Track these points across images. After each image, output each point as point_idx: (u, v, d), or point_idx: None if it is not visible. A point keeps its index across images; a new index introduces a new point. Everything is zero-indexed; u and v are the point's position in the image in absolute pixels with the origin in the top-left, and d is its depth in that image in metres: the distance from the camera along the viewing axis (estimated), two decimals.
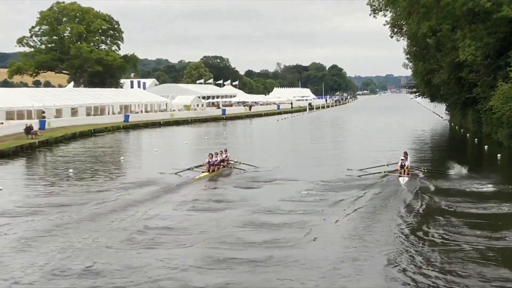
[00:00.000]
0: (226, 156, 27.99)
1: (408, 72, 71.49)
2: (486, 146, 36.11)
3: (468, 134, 46.22)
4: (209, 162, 26.05)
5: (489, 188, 21.66)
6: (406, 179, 23.48)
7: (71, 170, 28.34)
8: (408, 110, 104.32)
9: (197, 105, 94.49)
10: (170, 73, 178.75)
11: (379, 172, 25.22)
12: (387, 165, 26.32)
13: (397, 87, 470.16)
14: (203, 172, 25.61)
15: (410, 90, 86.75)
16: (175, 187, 23.06)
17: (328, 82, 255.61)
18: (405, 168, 24.38)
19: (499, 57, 37.20)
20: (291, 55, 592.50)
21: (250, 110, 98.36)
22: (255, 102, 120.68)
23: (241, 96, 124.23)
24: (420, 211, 18.31)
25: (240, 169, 27.39)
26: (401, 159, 24.78)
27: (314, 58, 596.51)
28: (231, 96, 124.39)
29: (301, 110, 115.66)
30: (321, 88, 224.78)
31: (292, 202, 19.60)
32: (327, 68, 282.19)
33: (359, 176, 24.84)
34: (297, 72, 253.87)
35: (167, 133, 60.25)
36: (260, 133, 57.36)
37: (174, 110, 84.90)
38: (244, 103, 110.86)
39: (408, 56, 59.69)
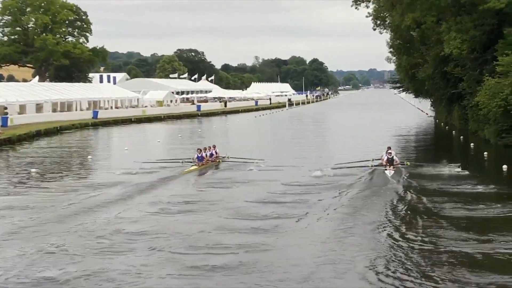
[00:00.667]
0: (215, 151, 29.50)
1: (392, 67, 72.14)
2: (472, 144, 36.40)
3: (453, 131, 46.60)
4: (197, 157, 27.62)
5: (475, 187, 21.78)
6: (392, 172, 24.72)
7: (33, 170, 27.83)
8: (391, 106, 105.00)
9: (171, 101, 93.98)
10: (142, 67, 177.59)
11: (365, 166, 26.48)
12: (372, 159, 27.44)
13: (380, 82, 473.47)
14: (192, 166, 27.11)
15: (393, 85, 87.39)
16: (146, 187, 22.85)
17: (309, 77, 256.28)
18: (393, 161, 25.51)
19: (486, 50, 37.53)
20: (270, 48, 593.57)
21: (225, 106, 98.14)
22: (232, 98, 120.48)
23: (217, 91, 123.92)
24: (407, 207, 18.69)
25: (229, 161, 29.31)
26: (388, 153, 25.83)
27: (294, 52, 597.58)
28: (206, 92, 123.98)
29: (280, 106, 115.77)
30: (301, 83, 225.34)
31: (274, 198, 20.02)
32: (307, 62, 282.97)
33: (347, 168, 26.30)
34: (276, 66, 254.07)
35: (138, 130, 59.82)
36: (237, 130, 57.20)
37: (146, 106, 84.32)
38: (220, 99, 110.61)
39: (392, 49, 60.05)
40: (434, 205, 18.83)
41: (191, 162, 27.71)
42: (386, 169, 25.23)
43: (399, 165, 26.11)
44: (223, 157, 29.77)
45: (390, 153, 25.96)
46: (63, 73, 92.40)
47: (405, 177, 24.30)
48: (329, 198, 20.20)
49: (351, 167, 26.50)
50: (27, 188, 23.51)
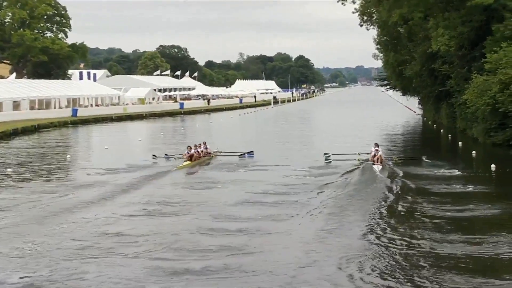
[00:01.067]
0: (206, 148, 31.16)
1: (379, 64, 72.40)
2: (460, 143, 36.62)
3: (442, 130, 46.85)
4: (187, 153, 29.12)
5: (463, 186, 21.90)
6: (380, 167, 25.95)
7: (9, 170, 27.58)
8: (379, 104, 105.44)
9: (153, 99, 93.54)
10: (123, 63, 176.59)
11: (353, 160, 28.38)
12: (359, 154, 29.11)
13: (368, 79, 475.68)
14: (185, 161, 28.57)
15: (381, 83, 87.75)
16: (127, 187, 22.76)
17: (295, 74, 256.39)
18: (378, 156, 26.77)
19: (474, 47, 37.77)
20: (255, 45, 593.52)
21: (208, 104, 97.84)
22: (216, 95, 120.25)
23: (201, 88, 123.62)
24: (395, 204, 19.02)
25: (221, 155, 31.30)
26: (375, 149, 27.24)
27: (280, 49, 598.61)
28: (189, 89, 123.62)
29: (266, 104, 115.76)
30: (287, 80, 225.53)
31: (259, 198, 20.27)
32: (293, 59, 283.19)
33: (335, 160, 28.33)
34: (261, 63, 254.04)
35: (119, 128, 59.51)
36: (221, 129, 57.08)
37: (127, 104, 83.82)
38: (203, 97, 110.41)
39: (379, 46, 60.27)
40: (422, 204, 18.85)
41: (182, 158, 29.18)
42: (374, 164, 26.39)
43: (387, 161, 27.50)
44: (215, 151, 31.71)
45: (378, 149, 27.23)
46: (41, 70, 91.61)
47: (393, 173, 25.48)
48: (317, 195, 20.63)
49: (339, 160, 28.43)
50: (2, 188, 23.20)
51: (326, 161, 28.96)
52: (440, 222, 16.62)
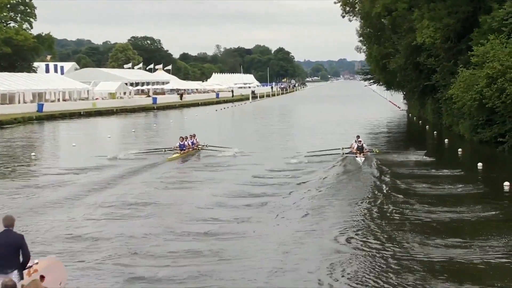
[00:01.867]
0: (196, 140, 33.37)
1: (363, 57, 72.48)
2: (446, 140, 36.86)
3: (427, 126, 47.16)
4: (179, 145, 31.46)
5: (448, 186, 21.98)
6: (363, 159, 28.23)
7: None
8: (362, 99, 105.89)
9: (124, 93, 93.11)
10: (92, 55, 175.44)
11: (337, 153, 30.02)
12: (342, 148, 30.61)
13: (351, 73, 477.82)
14: (175, 153, 30.79)
15: (364, 77, 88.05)
16: (94, 187, 22.61)
17: (274, 67, 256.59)
18: (360, 149, 29.04)
19: (460, 40, 38.03)
20: (233, 36, 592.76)
21: (181, 99, 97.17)
22: (191, 90, 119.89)
23: (175, 82, 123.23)
24: (377, 204, 19.32)
25: (207, 149, 32.96)
26: (358, 141, 29.46)
27: (259, 41, 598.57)
28: (163, 83, 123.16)
29: (244, 99, 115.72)
30: (266, 74, 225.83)
31: (242, 194, 21.05)
32: (272, 52, 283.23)
33: (317, 156, 29.83)
34: (239, 56, 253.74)
35: (88, 125, 59.20)
36: (196, 125, 56.74)
37: (97, 99, 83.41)
38: (178, 91, 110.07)
39: (362, 38, 60.45)
40: (405, 205, 18.87)
41: (173, 150, 31.51)
42: (356, 156, 28.63)
43: (368, 153, 29.55)
44: (202, 145, 33.62)
45: (360, 141, 29.60)
46: (4, 62, 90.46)
47: (376, 164, 27.37)
48: (297, 193, 21.22)
49: (322, 154, 30.06)
50: None
51: (308, 156, 30.09)
52: (423, 224, 16.66)
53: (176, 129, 51.66)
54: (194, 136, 33.63)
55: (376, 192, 21.24)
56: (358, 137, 30.23)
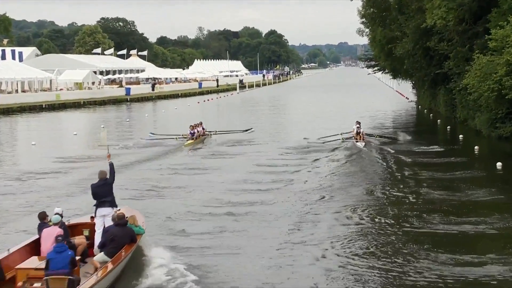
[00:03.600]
0: (203, 128, 39.22)
1: (366, 40, 72.35)
2: (461, 136, 36.90)
3: (439, 120, 47.19)
4: (190, 133, 37.52)
5: (462, 191, 21.95)
6: (363, 143, 33.54)
7: None
8: (365, 89, 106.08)
9: (93, 83, 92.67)
10: (56, 39, 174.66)
11: (336, 140, 35.59)
12: (341, 134, 36.17)
13: (353, 58, 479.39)
14: (188, 140, 36.77)
15: (367, 64, 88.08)
16: (56, 192, 22.74)
17: (265, 52, 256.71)
18: (360, 134, 34.61)
19: (477, 21, 37.95)
20: (217, 17, 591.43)
21: (153, 89, 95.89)
22: (169, 79, 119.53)
23: (151, 70, 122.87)
24: (383, 181, 23.61)
25: (218, 134, 40.06)
26: (357, 127, 35.05)
27: (247, 22, 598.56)
28: (137, 71, 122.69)
29: (230, 89, 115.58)
30: (256, 60, 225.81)
31: (258, 173, 25.88)
32: (263, 35, 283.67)
33: (316, 142, 35.54)
34: (225, 40, 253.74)
35: (50, 120, 59.02)
36: (175, 120, 56.52)
37: (61, 90, 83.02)
38: (154, 80, 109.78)
39: (364, 20, 60.29)
40: (412, 212, 19.01)
41: (185, 138, 37.47)
42: (357, 141, 34.09)
43: (368, 138, 35.50)
44: (210, 132, 40.40)
45: (359, 126, 35.22)
46: None
47: (375, 145, 33.31)
48: (306, 175, 25.86)
49: (324, 141, 35.73)
50: None
51: (307, 142, 35.99)
52: (435, 238, 16.64)
53: (151, 124, 51.47)
54: (201, 123, 39.49)
55: (376, 177, 25.25)
56: (357, 122, 35.97)
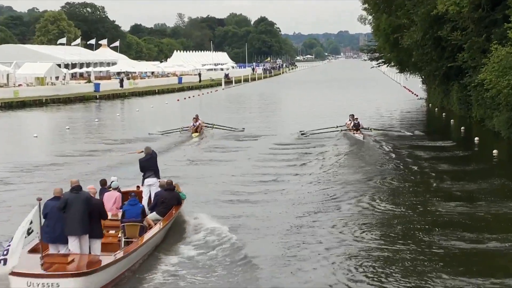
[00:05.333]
0: (200, 120, 44.54)
1: (369, 29, 72.40)
2: (476, 138, 36.95)
3: (452, 120, 47.21)
4: (193, 125, 43.23)
5: (478, 203, 21.89)
6: (361, 135, 38.61)
7: None
8: (368, 85, 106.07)
9: (56, 78, 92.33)
10: (14, 27, 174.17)
11: (331, 132, 40.98)
12: (337, 126, 41.59)
13: (354, 49, 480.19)
14: (193, 133, 42.70)
15: (370, 56, 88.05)
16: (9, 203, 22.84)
17: (254, 42, 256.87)
18: (359, 126, 39.70)
19: (495, 7, 38.04)
20: (200, 2, 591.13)
21: (121, 86, 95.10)
22: (145, 73, 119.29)
23: (124, 63, 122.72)
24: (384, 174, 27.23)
25: (215, 128, 45.24)
26: (354, 120, 40.26)
27: (233, 8, 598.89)
28: (108, 64, 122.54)
29: (214, 84, 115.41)
30: (244, 52, 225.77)
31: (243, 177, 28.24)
32: (252, 23, 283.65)
33: (312, 135, 40.88)
34: (209, 28, 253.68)
35: (7, 120, 58.84)
36: (152, 120, 56.36)
37: (20, 85, 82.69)
38: (128, 75, 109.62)
39: (367, 5, 60.40)
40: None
41: (187, 129, 43.42)
42: (355, 134, 39.12)
43: (365, 130, 39.97)
44: (208, 124, 45.50)
45: (356, 118, 40.43)
46: None
47: (372, 138, 38.68)
48: (307, 168, 29.86)
49: (320, 133, 40.82)
50: None
51: (302, 135, 41.15)
52: (448, 258, 16.69)
53: (123, 126, 51.35)
54: (197, 116, 44.52)
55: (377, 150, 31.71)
56: (352, 116, 41.20)
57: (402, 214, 20.80)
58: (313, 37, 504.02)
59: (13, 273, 13.53)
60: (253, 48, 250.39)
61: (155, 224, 17.91)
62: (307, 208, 21.89)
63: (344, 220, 20.21)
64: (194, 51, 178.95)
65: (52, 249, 15.20)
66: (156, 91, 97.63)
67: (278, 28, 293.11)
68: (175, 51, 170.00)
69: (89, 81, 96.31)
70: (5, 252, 13.37)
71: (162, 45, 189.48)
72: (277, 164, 31.05)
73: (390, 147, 35.39)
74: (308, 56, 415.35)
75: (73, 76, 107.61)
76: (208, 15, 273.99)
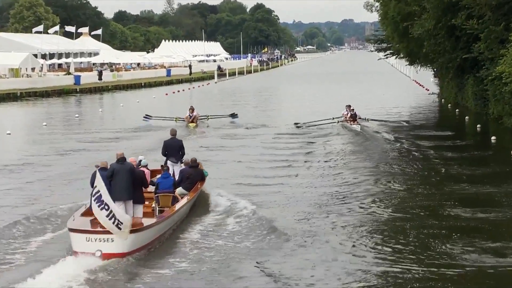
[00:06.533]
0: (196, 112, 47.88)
1: (376, 17, 72.31)
2: (493, 137, 36.93)
3: (467, 117, 47.15)
4: (190, 116, 46.28)
5: (492, 213, 21.61)
6: (359, 126, 42.19)
7: None
8: (375, 79, 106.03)
9: (33, 69, 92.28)
10: None
11: (330, 122, 44.29)
12: (333, 118, 44.62)
13: (360, 39, 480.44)
14: (189, 123, 45.97)
15: (378, 46, 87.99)
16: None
17: (250, 32, 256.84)
18: (356, 117, 43.23)
19: None
20: None
21: (100, 79, 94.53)
22: (130, 65, 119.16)
23: (107, 54, 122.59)
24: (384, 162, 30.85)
25: (210, 118, 48.61)
26: (351, 110, 43.66)
27: None
28: (90, 54, 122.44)
29: (206, 77, 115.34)
30: (238, 41, 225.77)
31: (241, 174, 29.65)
32: (248, 10, 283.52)
33: (308, 127, 44.16)
34: (200, 16, 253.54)
35: None
36: (138, 117, 56.24)
37: None
38: (111, 66, 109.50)
39: None
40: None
41: (184, 120, 46.57)
42: (352, 125, 42.61)
43: (362, 120, 43.60)
44: (202, 116, 48.36)
45: (353, 109, 43.86)
46: None
47: (370, 128, 42.44)
48: (313, 156, 33.20)
49: (317, 125, 44.05)
50: None
51: (297, 127, 44.58)
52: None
53: (106, 122, 51.25)
54: (193, 108, 47.81)
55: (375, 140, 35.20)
56: (349, 106, 44.45)
57: (414, 217, 20.81)
58: (314, 26, 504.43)
59: (73, 230, 17.60)
60: (249, 38, 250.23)
61: (182, 198, 21.37)
62: (324, 190, 25.19)
63: (365, 199, 23.37)
64: (184, 41, 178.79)
65: None
66: (142, 84, 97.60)
67: (277, 16, 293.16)
68: (163, 40, 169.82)
69: (69, 73, 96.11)
70: (115, 220, 17.07)
71: (149, 34, 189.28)
72: (281, 152, 34.48)
73: (392, 138, 38.86)
74: (309, 47, 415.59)
75: (51, 68, 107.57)
76: (200, 1, 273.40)
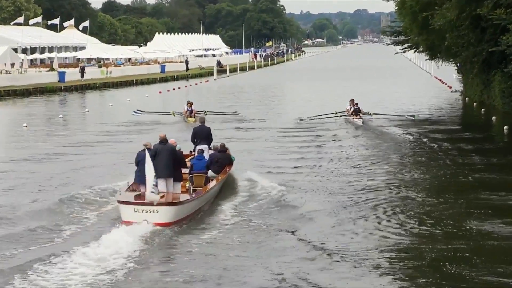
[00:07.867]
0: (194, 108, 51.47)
1: (392, 7, 72.24)
2: None
3: (494, 117, 46.98)
4: (188, 110, 49.77)
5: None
6: (361, 120, 46.05)
7: None
8: (392, 75, 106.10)
9: (12, 65, 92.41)
10: None
11: (333, 117, 48.03)
12: (336, 112, 48.38)
13: (374, 32, 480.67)
14: (188, 118, 49.04)
15: (394, 39, 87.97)
16: None
17: (253, 24, 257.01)
18: (359, 111, 46.89)
19: None
20: None
21: (82, 76, 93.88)
22: (120, 60, 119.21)
23: (95, 48, 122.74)
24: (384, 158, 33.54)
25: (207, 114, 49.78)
26: (355, 105, 47.57)
27: None
28: (76, 49, 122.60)
29: (204, 74, 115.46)
30: (240, 34, 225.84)
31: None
32: (250, 0, 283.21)
33: (311, 121, 47.22)
34: (198, 7, 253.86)
35: None
36: (125, 119, 56.27)
37: None
38: (99, 61, 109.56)
39: None
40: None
41: (182, 114, 50.35)
42: (354, 119, 46.33)
43: (365, 115, 47.15)
44: (200, 111, 50.64)
45: (356, 104, 47.67)
46: None
47: (374, 123, 46.28)
48: (311, 158, 33.97)
49: (319, 119, 47.38)
50: None
51: (301, 121, 47.53)
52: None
53: (93, 123, 51.26)
54: (191, 103, 51.32)
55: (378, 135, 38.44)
56: (352, 101, 48.43)
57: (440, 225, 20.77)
58: (324, 17, 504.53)
59: (123, 202, 21.74)
60: (252, 31, 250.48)
61: (212, 179, 24.86)
62: (344, 178, 28.40)
63: (386, 189, 26.00)
64: (180, 34, 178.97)
65: (142, 189, 22.25)
66: (134, 81, 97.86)
67: (282, 6, 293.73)
68: (156, 33, 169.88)
69: (52, 69, 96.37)
70: (153, 188, 21.14)
71: (141, 26, 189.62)
72: (293, 145, 37.96)
73: (411, 138, 40.66)
74: (319, 40, 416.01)
75: (33, 63, 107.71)
76: None
